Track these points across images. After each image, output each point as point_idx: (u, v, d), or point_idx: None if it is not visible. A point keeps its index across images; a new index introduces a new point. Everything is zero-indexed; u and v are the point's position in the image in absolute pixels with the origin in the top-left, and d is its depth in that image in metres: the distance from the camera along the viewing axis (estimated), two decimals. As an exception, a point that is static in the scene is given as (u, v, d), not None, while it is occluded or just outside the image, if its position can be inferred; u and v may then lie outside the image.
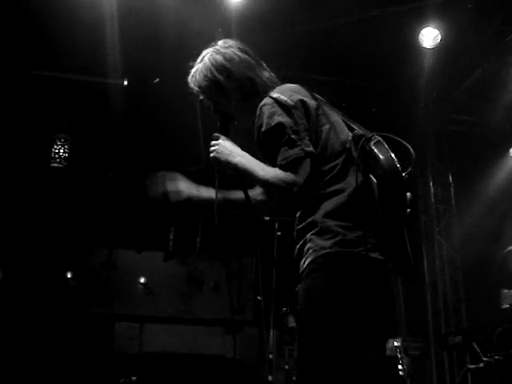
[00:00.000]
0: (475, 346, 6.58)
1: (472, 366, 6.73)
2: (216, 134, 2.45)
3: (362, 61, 7.82)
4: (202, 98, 2.59)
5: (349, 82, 8.53)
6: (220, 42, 2.59)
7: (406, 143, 2.25)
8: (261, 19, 7.12)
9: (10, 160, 8.79)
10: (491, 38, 7.68)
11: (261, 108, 2.34)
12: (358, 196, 2.21)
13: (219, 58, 2.50)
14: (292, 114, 2.27)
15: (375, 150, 2.16)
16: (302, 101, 2.33)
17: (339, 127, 2.38)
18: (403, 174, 2.12)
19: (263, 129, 2.30)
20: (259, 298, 3.72)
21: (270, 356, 5.21)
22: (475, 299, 8.92)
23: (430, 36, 7.43)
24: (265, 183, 2.29)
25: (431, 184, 9.72)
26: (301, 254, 2.30)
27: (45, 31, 7.09)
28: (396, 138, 2.25)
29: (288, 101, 2.30)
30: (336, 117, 2.44)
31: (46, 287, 9.68)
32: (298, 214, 2.38)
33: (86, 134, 9.08)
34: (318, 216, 2.24)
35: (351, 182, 2.23)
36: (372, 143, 2.19)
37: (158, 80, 7.88)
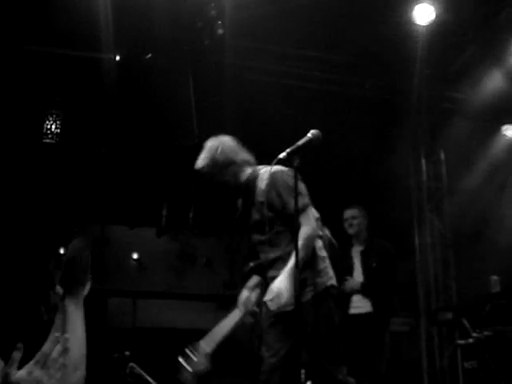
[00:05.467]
0: (465, 322, 6.65)
1: (461, 342, 6.82)
2: None
3: (355, 37, 7.76)
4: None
5: (341, 58, 8.47)
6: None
7: None
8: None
9: (1, 136, 8.74)
10: (485, 15, 7.65)
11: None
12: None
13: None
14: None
15: None
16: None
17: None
18: None
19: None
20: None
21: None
22: (465, 276, 9.00)
23: (424, 12, 7.38)
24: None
25: (423, 161, 9.72)
26: None
27: (37, 5, 7.02)
28: None
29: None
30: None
31: (38, 263, 9.69)
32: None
33: (78, 109, 9.01)
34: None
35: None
36: None
37: (150, 55, 7.82)
